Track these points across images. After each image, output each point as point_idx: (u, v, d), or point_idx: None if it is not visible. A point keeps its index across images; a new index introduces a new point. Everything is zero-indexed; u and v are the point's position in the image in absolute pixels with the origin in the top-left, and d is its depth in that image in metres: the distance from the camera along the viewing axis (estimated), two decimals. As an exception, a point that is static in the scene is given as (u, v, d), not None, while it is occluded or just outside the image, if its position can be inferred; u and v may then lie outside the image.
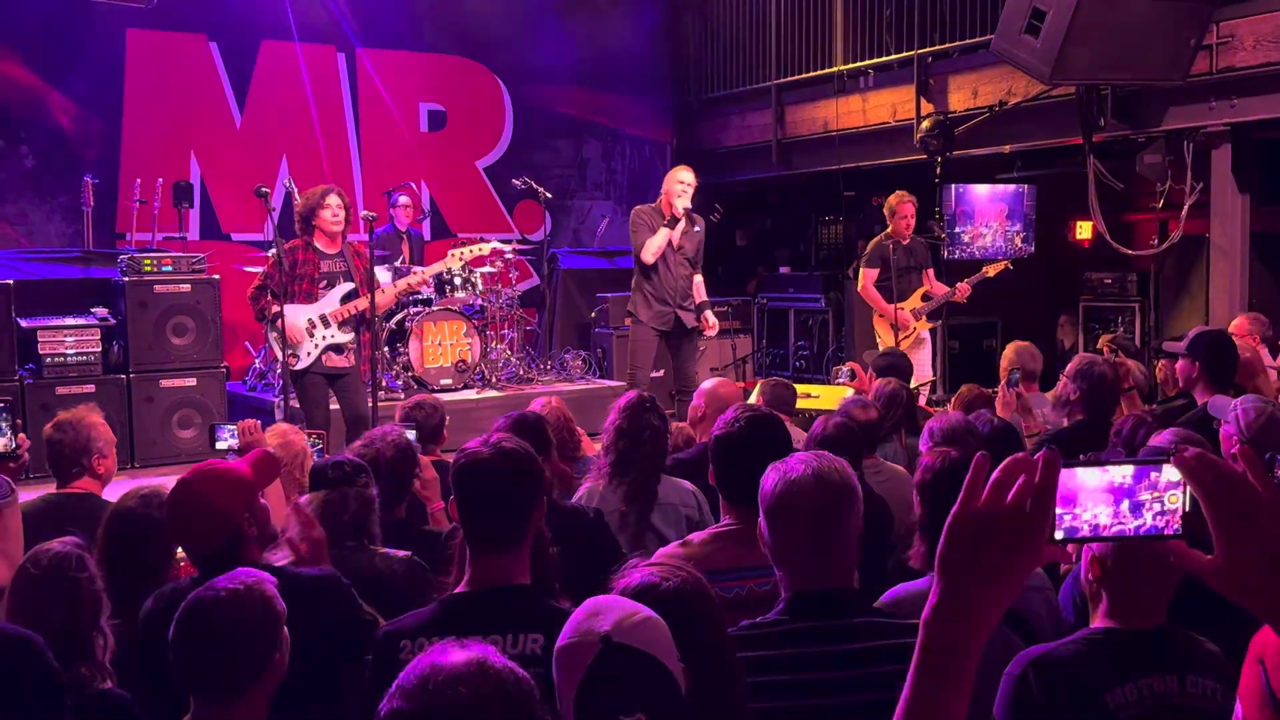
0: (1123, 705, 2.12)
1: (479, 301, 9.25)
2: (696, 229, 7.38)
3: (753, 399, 5.34)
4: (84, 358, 7.78)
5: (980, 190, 10.22)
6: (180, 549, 3.02)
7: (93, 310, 8.06)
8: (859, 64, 9.98)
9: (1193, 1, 7.04)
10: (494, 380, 9.14)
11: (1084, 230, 11.39)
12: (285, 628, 2.26)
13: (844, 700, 2.14)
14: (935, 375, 8.42)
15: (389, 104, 10.72)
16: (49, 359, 7.67)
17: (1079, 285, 10.12)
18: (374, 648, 2.38)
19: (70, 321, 7.85)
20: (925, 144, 8.80)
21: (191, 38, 9.69)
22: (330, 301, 6.45)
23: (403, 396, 8.11)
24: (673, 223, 7.11)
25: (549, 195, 9.80)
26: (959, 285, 7.95)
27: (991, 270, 8.08)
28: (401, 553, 3.22)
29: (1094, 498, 1.19)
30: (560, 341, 10.41)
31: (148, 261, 8.02)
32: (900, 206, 7.96)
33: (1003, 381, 5.24)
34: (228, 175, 9.74)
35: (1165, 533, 1.20)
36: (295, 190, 7.86)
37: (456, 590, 2.42)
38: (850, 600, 2.28)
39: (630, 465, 3.72)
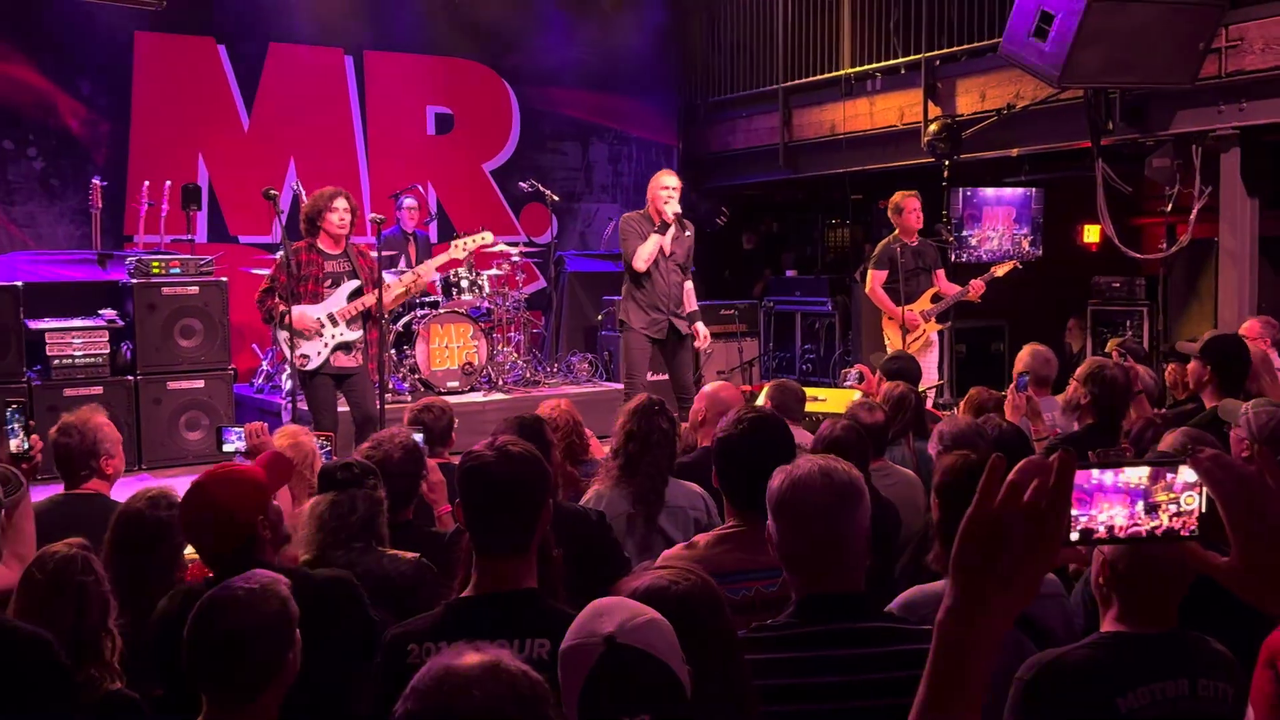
0: (1135, 710, 2.12)
1: (486, 304, 9.25)
2: (687, 234, 7.33)
3: (760, 401, 5.33)
4: (92, 359, 7.79)
5: (988, 194, 10.20)
6: (193, 550, 3.02)
7: (101, 312, 8.07)
8: (866, 67, 9.98)
9: (1202, 5, 7.03)
10: (500, 383, 9.14)
11: (1092, 234, 11.38)
12: (297, 629, 2.26)
13: (855, 704, 2.14)
14: (942, 379, 8.40)
15: (396, 107, 10.73)
16: (57, 361, 7.68)
17: (1087, 289, 10.10)
18: (381, 651, 2.37)
19: (78, 323, 7.86)
20: (933, 147, 8.80)
21: (199, 40, 9.71)
22: (337, 300, 6.46)
23: (410, 398, 8.12)
24: (663, 229, 7.01)
25: (555, 198, 9.80)
26: (972, 283, 7.91)
27: (1000, 270, 8.06)
28: (409, 554, 3.22)
29: (1110, 499, 1.18)
30: (567, 344, 10.41)
31: (156, 264, 8.04)
32: (905, 202, 7.93)
33: (1011, 384, 5.23)
34: (235, 178, 9.76)
35: (1181, 534, 1.19)
36: (303, 192, 7.89)
37: (463, 594, 2.41)
38: (861, 604, 2.27)
39: (639, 468, 3.73)
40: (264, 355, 9.11)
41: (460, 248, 7.19)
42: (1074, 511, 1.16)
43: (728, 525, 2.89)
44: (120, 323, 8.00)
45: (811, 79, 10.54)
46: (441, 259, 7.25)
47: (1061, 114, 8.23)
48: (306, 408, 6.56)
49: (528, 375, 9.42)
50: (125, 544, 3.03)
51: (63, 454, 3.81)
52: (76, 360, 7.74)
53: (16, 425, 3.52)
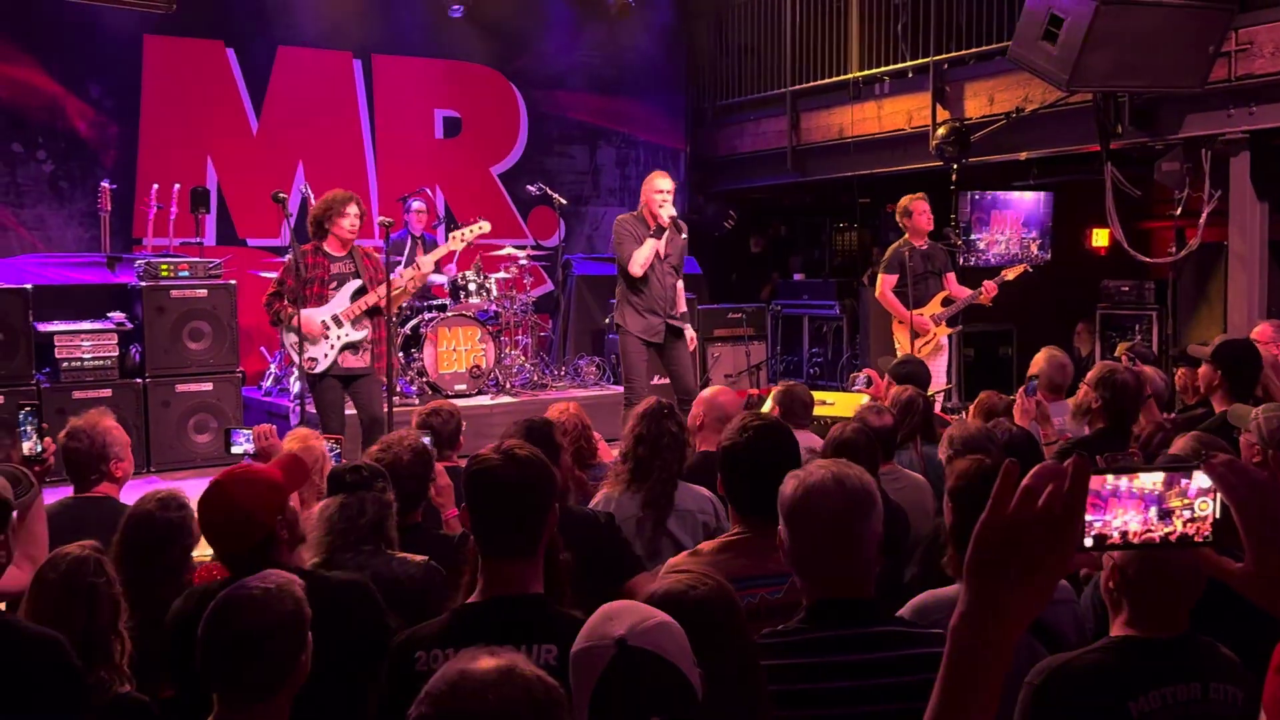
0: (1146, 713, 2.11)
1: (493, 307, 9.26)
2: (683, 236, 7.30)
3: (768, 407, 5.33)
4: (101, 362, 7.81)
5: (996, 197, 10.19)
6: (211, 551, 3.02)
7: (110, 315, 8.09)
8: (874, 71, 9.98)
9: (1211, 9, 7.01)
10: (508, 386, 9.15)
11: (1101, 238, 11.36)
12: (310, 631, 2.27)
13: (866, 709, 2.13)
14: (950, 383, 8.38)
15: (404, 110, 10.75)
16: (66, 363, 7.71)
17: (1096, 293, 10.08)
18: (388, 657, 2.37)
19: (87, 326, 7.88)
20: (941, 151, 8.78)
21: (208, 44, 9.74)
22: (341, 301, 6.48)
23: (417, 402, 8.12)
24: (659, 233, 6.95)
25: (563, 201, 9.81)
26: (985, 284, 7.89)
27: (1011, 273, 8.04)
28: (418, 557, 3.22)
29: (1124, 504, 1.18)
30: (574, 347, 10.42)
31: (164, 266, 8.06)
32: (913, 205, 7.90)
33: (1021, 388, 5.21)
34: (244, 180, 9.78)
35: (1195, 540, 1.19)
36: (311, 195, 7.90)
37: (469, 600, 2.40)
38: (871, 609, 2.27)
39: (648, 471, 3.72)
40: (272, 358, 9.13)
41: (459, 239, 7.19)
42: (1088, 517, 1.16)
43: (732, 532, 2.89)
44: (129, 325, 8.02)
45: (819, 82, 10.54)
46: (440, 252, 7.25)
47: (1070, 117, 8.21)
48: (315, 410, 6.57)
49: (535, 378, 9.42)
50: (135, 545, 3.03)
51: (72, 458, 3.82)
52: (85, 363, 7.76)
53: (29, 427, 3.52)
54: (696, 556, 2.81)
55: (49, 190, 9.12)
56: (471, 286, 9.04)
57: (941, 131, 8.80)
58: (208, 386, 8.12)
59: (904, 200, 7.99)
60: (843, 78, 10.27)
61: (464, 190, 11.02)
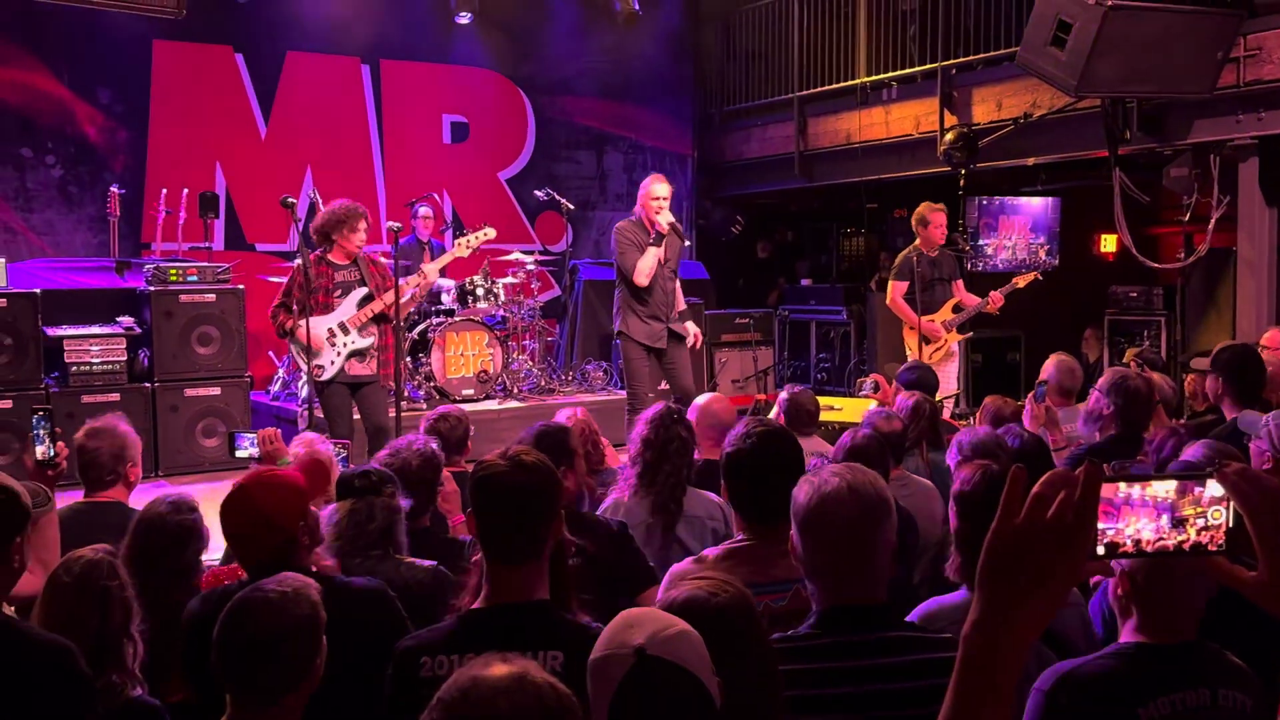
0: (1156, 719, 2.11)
1: (501, 312, 9.28)
2: (686, 244, 7.30)
3: (774, 412, 5.33)
4: (109, 366, 7.83)
5: (1004, 203, 10.19)
6: (220, 556, 3.02)
7: (118, 319, 8.11)
8: (882, 76, 9.98)
9: (1220, 14, 7.01)
10: (515, 391, 9.15)
11: (1109, 243, 11.35)
12: (327, 635, 2.27)
13: (877, 715, 2.13)
14: (959, 388, 8.37)
15: (412, 115, 10.77)
16: (75, 367, 7.73)
17: (1104, 299, 10.07)
18: (393, 663, 2.37)
19: (96, 330, 7.90)
20: (949, 156, 8.78)
21: (217, 49, 9.77)
22: (347, 308, 6.49)
23: (425, 406, 8.13)
24: (659, 240, 6.93)
25: (570, 206, 9.82)
26: (991, 295, 7.89)
27: (1022, 281, 8.03)
28: (427, 562, 3.22)
29: (1136, 512, 1.18)
30: (581, 352, 10.43)
31: (173, 271, 8.08)
32: (933, 216, 7.90)
33: (1031, 394, 5.21)
34: (253, 186, 9.80)
35: (1209, 548, 1.19)
36: (320, 201, 7.90)
37: (474, 606, 2.40)
38: (883, 614, 2.27)
39: (656, 477, 3.72)
40: (280, 363, 9.15)
41: (464, 245, 7.19)
42: (1100, 525, 1.16)
43: (736, 540, 2.88)
44: (138, 330, 8.04)
45: (827, 88, 10.54)
46: (446, 258, 7.26)
47: (1078, 123, 8.20)
48: (322, 415, 6.58)
49: (542, 383, 9.43)
50: (146, 549, 3.04)
51: (90, 460, 3.82)
52: (94, 367, 7.78)
53: (43, 432, 3.53)
54: (700, 564, 2.80)
55: (58, 195, 9.15)
56: (479, 291, 9.06)
57: (949, 137, 8.80)
58: (216, 391, 8.13)
59: (923, 209, 7.96)
60: (850, 83, 10.27)
61: (471, 195, 11.04)
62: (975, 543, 2.65)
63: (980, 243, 9.97)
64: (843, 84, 10.36)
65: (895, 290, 7.92)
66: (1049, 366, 5.55)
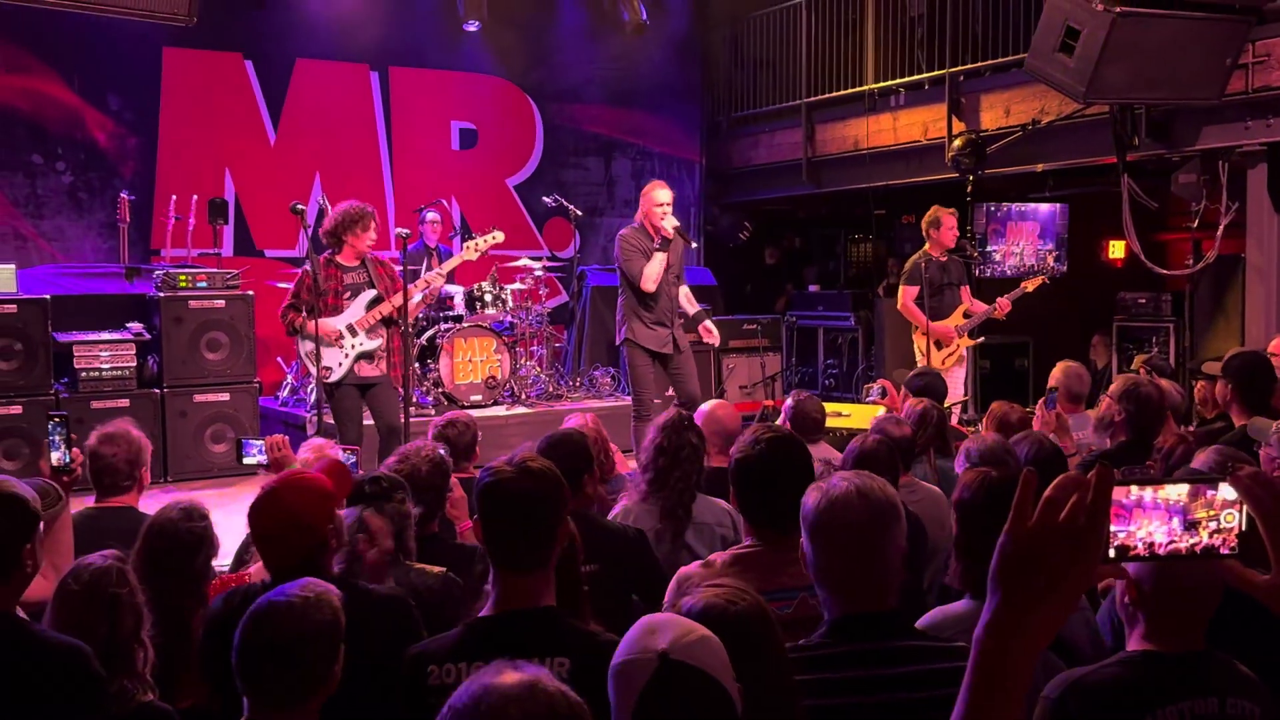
0: (1165, 727, 2.10)
1: (509, 318, 9.29)
2: (694, 246, 7.30)
3: (780, 419, 5.32)
4: (119, 372, 7.86)
5: (1012, 209, 10.18)
6: (230, 562, 3.02)
7: (128, 325, 8.14)
8: (890, 83, 9.99)
9: (1228, 21, 7.00)
10: (523, 397, 9.17)
11: (1117, 250, 11.34)
12: (346, 642, 2.27)
13: (889, 723, 2.13)
14: (967, 395, 8.36)
15: (421, 122, 10.80)
16: (84, 373, 7.76)
17: (1112, 305, 10.05)
18: (401, 670, 2.37)
19: (106, 336, 7.94)
20: (957, 162, 8.78)
21: (227, 56, 9.80)
22: (356, 310, 6.51)
23: (433, 412, 8.14)
24: (665, 245, 6.92)
25: (578, 213, 9.84)
26: (999, 301, 7.89)
27: (1030, 285, 8.04)
28: (436, 568, 3.22)
29: (1148, 515, 1.18)
30: (589, 358, 10.44)
31: (183, 277, 8.11)
32: (945, 218, 7.91)
33: (1040, 400, 5.20)
34: (262, 192, 9.83)
35: (1220, 551, 1.19)
36: (329, 207, 7.92)
37: (481, 614, 2.40)
38: (894, 622, 2.26)
39: (667, 483, 3.72)
40: (289, 369, 9.17)
41: (473, 248, 7.20)
42: (1112, 527, 1.16)
43: (744, 546, 2.88)
44: (147, 335, 8.07)
45: (835, 94, 10.55)
46: (455, 262, 7.26)
47: (1087, 129, 8.20)
48: (332, 420, 6.59)
49: (550, 389, 9.44)
50: (156, 555, 3.04)
51: (105, 466, 3.82)
52: (104, 373, 7.81)
53: (58, 438, 3.54)
54: (708, 569, 2.80)
55: (68, 201, 9.19)
56: (487, 297, 9.07)
57: (957, 143, 8.80)
58: (225, 397, 8.16)
59: (935, 210, 7.97)
60: (858, 89, 10.28)
61: (480, 202, 11.06)
62: (975, 550, 2.65)
63: (988, 249, 9.96)
64: (851, 90, 10.37)
65: (906, 295, 7.92)
66: (1057, 373, 5.54)
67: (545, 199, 10.19)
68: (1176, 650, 2.15)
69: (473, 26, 10.49)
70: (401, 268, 6.64)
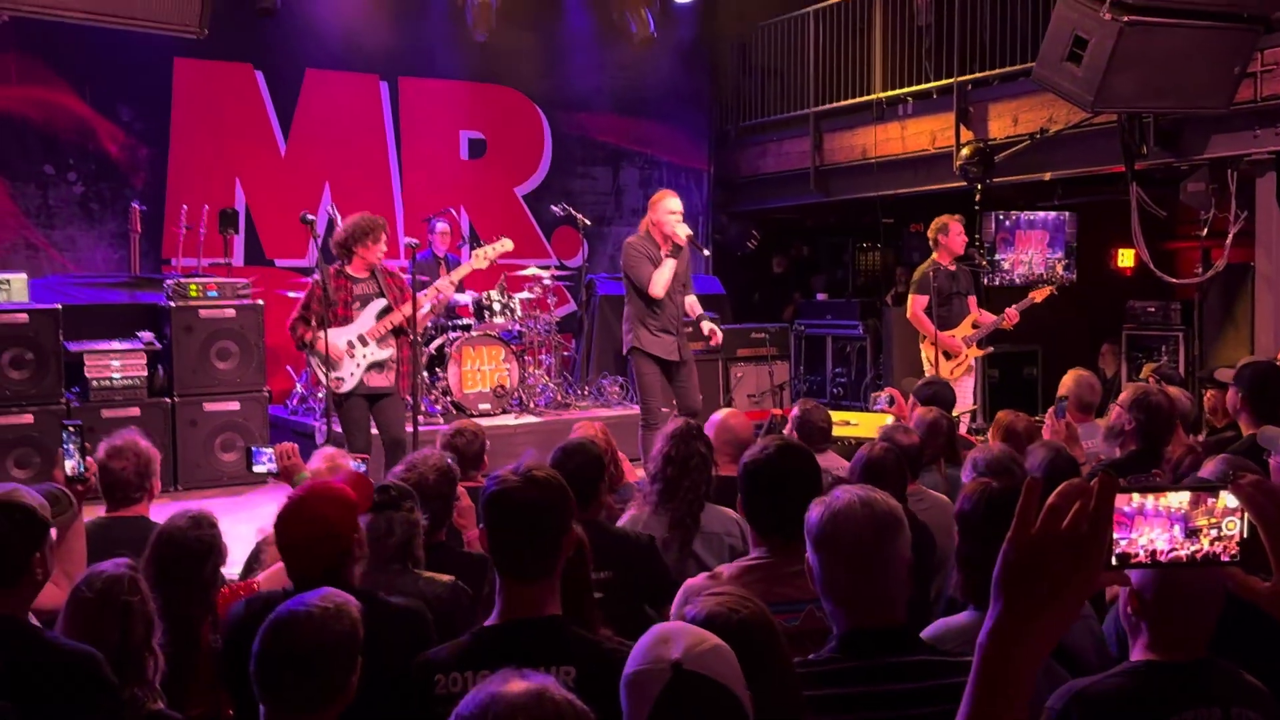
0: (1170, 736, 2.10)
1: (517, 327, 9.31)
2: (706, 254, 7.35)
3: (789, 428, 5.32)
4: (130, 381, 7.89)
5: (1021, 218, 10.18)
6: (239, 571, 3.03)
7: (139, 334, 8.18)
8: (898, 91, 10.00)
9: (1237, 30, 6.99)
10: (532, 405, 9.18)
11: (1127, 258, 11.32)
12: (364, 652, 2.28)
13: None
14: (976, 404, 8.35)
15: (430, 132, 10.84)
16: (95, 382, 7.79)
17: (1121, 314, 10.04)
18: (406, 680, 2.37)
19: (117, 345, 7.97)
20: (965, 171, 8.78)
21: (237, 66, 9.85)
22: (366, 320, 6.53)
23: (442, 421, 8.16)
24: (676, 252, 6.96)
25: (587, 222, 9.85)
26: (1007, 311, 7.88)
27: (1039, 296, 8.02)
28: (445, 577, 3.23)
29: (1150, 523, 1.19)
30: (597, 367, 10.45)
31: (193, 287, 8.14)
32: (952, 225, 7.89)
33: (1050, 409, 5.19)
34: (272, 202, 9.88)
35: (1222, 559, 1.20)
36: (338, 217, 7.96)
37: (487, 622, 2.40)
38: (902, 636, 2.26)
39: (676, 492, 3.72)
40: (298, 377, 9.20)
41: (482, 257, 7.21)
42: (1114, 535, 1.17)
43: (752, 557, 2.88)
44: (158, 345, 8.11)
45: (843, 103, 10.57)
46: (464, 270, 7.28)
47: (1095, 138, 8.20)
48: (340, 429, 6.61)
49: (559, 398, 9.45)
50: (165, 563, 3.06)
51: (116, 479, 3.82)
52: (115, 382, 7.85)
53: (72, 446, 3.56)
54: (715, 580, 2.80)
55: (80, 211, 9.24)
56: (496, 306, 9.09)
57: (965, 152, 8.80)
58: (235, 405, 8.19)
59: (943, 218, 7.95)
60: (866, 98, 10.30)
61: (488, 211, 11.09)
62: (976, 561, 2.64)
63: (997, 258, 9.96)
64: (858, 99, 10.39)
65: (915, 304, 7.91)
66: (1068, 382, 5.53)
67: (553, 208, 10.21)
68: (1179, 659, 2.15)
69: (482, 37, 10.53)
70: (410, 277, 6.67)
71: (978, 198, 9.18)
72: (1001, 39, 8.90)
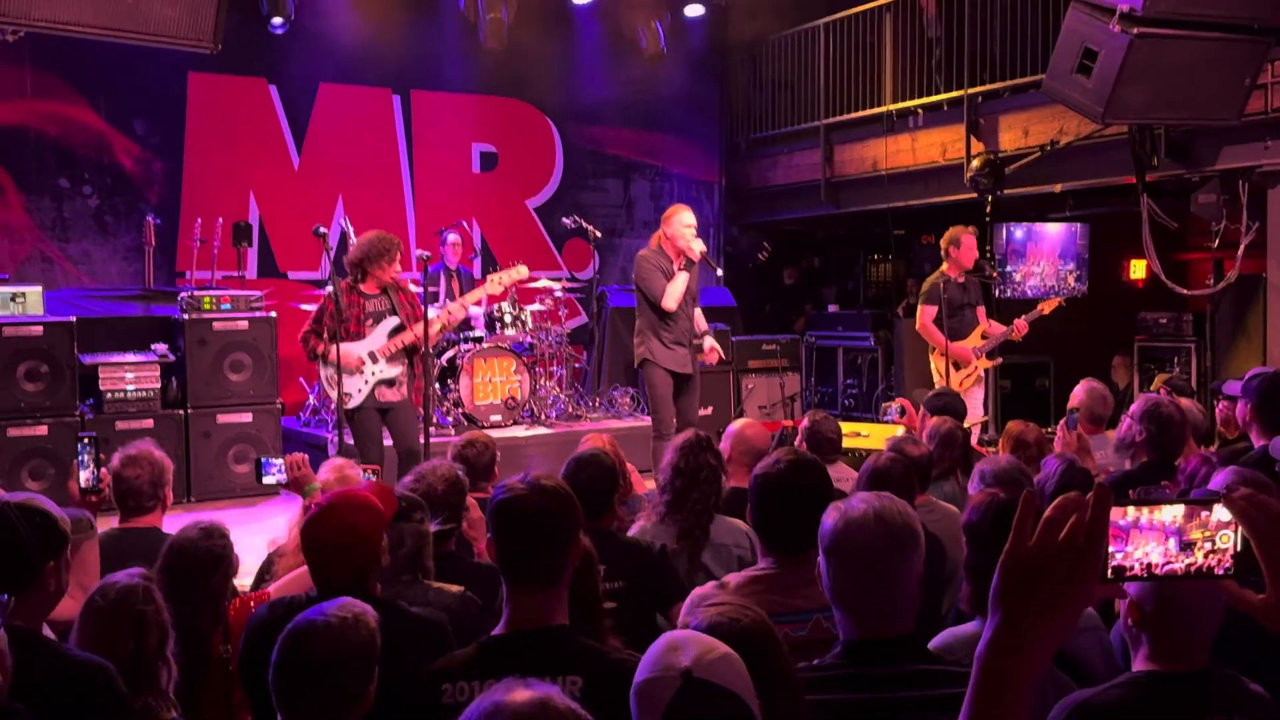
0: (1173, 747, 2.10)
1: (529, 339, 9.33)
2: (718, 272, 7.43)
3: (798, 439, 5.32)
4: (143, 393, 7.94)
5: (1032, 229, 10.17)
6: (250, 581, 3.04)
7: (153, 347, 8.23)
8: (908, 103, 10.02)
9: (1247, 41, 6.99)
10: (543, 417, 9.20)
11: (1139, 269, 11.29)
12: (381, 663, 2.30)
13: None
14: (987, 415, 8.34)
15: (442, 145, 10.89)
16: (109, 394, 7.84)
17: (1133, 325, 10.02)
18: (414, 690, 2.38)
19: (130, 358, 8.02)
20: (975, 183, 8.79)
21: (251, 81, 9.92)
22: (378, 338, 6.56)
23: (453, 432, 8.18)
24: (689, 266, 7.00)
25: (597, 234, 9.88)
26: (1016, 322, 7.87)
27: (1047, 307, 8.00)
28: (454, 587, 3.25)
29: (1145, 536, 1.20)
30: (608, 379, 10.47)
31: (207, 299, 8.19)
32: (965, 237, 7.88)
33: (1062, 421, 5.18)
34: (285, 215, 9.93)
35: (1216, 571, 1.21)
36: (351, 230, 8.00)
37: (494, 632, 2.41)
38: (909, 646, 2.26)
39: (685, 504, 3.73)
40: (311, 389, 9.24)
41: (496, 282, 7.24)
42: (1110, 548, 1.18)
43: (760, 566, 2.89)
44: (171, 357, 8.15)
45: (853, 115, 10.59)
46: (478, 294, 7.32)
47: (1105, 150, 8.20)
48: (353, 441, 6.64)
49: (570, 410, 9.47)
50: (176, 573, 3.08)
51: (129, 488, 3.85)
52: (129, 394, 7.89)
53: (87, 458, 3.59)
54: (723, 590, 2.81)
55: (94, 225, 9.30)
56: (507, 318, 9.12)
57: (976, 164, 8.81)
58: (248, 417, 8.22)
59: (956, 230, 7.94)
60: (876, 110, 10.32)
61: (500, 223, 11.14)
62: (985, 572, 2.64)
63: (1008, 269, 9.95)
64: (869, 111, 10.41)
65: (925, 315, 7.91)
66: (1079, 393, 5.51)
67: (564, 220, 10.25)
68: (1181, 670, 2.15)
69: (493, 50, 10.58)
70: (421, 289, 6.70)
71: (988, 209, 9.18)
72: (1012, 51, 8.92)
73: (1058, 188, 9.02)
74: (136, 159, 9.45)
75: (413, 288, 7.14)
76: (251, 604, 3.19)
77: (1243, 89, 7.07)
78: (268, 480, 4.34)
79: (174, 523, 3.70)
